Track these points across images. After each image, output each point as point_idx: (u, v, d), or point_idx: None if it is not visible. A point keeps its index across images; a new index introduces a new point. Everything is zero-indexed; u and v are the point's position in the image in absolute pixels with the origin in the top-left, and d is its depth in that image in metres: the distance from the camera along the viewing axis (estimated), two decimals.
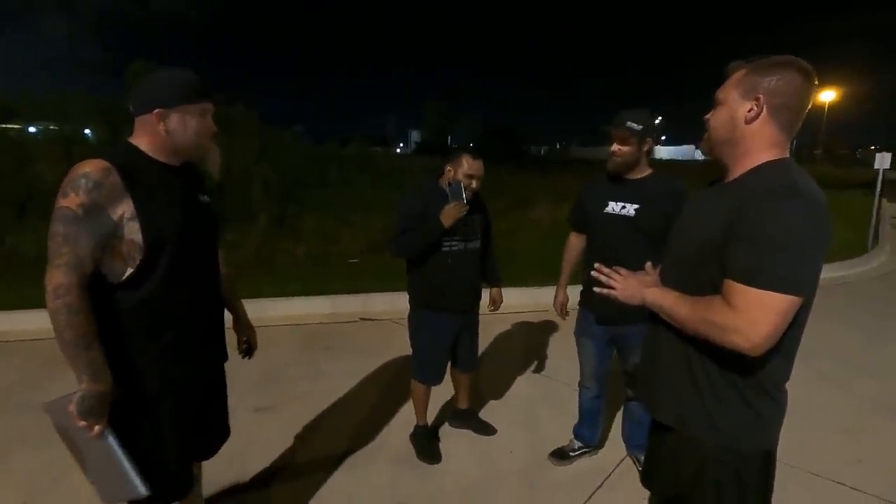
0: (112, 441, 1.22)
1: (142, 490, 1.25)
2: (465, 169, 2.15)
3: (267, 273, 5.75)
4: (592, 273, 1.32)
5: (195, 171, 1.47)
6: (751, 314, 0.97)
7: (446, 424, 2.67)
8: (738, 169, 1.12)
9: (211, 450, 1.61)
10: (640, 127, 1.94)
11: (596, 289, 1.30)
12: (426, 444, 2.43)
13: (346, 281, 5.28)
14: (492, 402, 2.93)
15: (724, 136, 1.13)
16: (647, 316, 1.25)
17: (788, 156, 1.09)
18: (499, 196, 10.62)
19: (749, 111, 1.07)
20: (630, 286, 1.23)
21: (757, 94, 1.06)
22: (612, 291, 1.25)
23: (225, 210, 7.85)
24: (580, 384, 2.33)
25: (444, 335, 2.30)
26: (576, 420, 2.40)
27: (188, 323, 1.34)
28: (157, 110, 1.24)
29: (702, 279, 1.10)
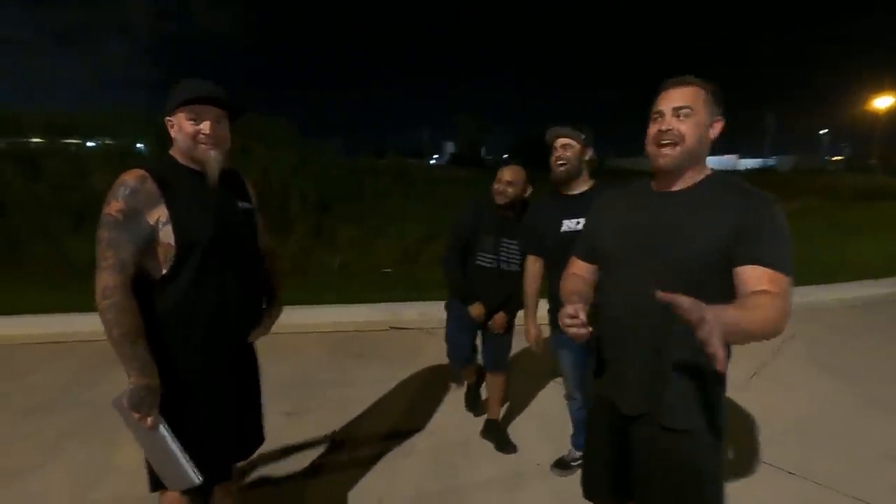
0: (165, 432, 1.31)
1: (194, 479, 1.33)
2: (499, 178, 2.36)
3: (303, 282, 5.93)
4: (684, 312, 0.94)
5: (236, 178, 1.53)
6: (788, 298, 1.09)
7: (476, 427, 2.69)
8: (693, 176, 1.26)
9: (247, 452, 1.67)
10: (583, 135, 2.03)
11: (711, 351, 0.90)
12: (470, 399, 2.97)
13: (378, 290, 5.39)
14: (522, 417, 2.93)
15: (695, 147, 1.22)
16: (643, 325, 1.26)
17: None
18: None
19: (713, 128, 1.25)
20: (710, 315, 0.93)
21: (720, 116, 1.25)
22: (710, 333, 0.91)
23: (264, 221, 8.15)
24: (566, 396, 2.34)
25: (463, 323, 2.52)
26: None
27: (219, 324, 1.40)
28: (166, 119, 1.38)
29: (710, 284, 1.16)
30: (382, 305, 4.82)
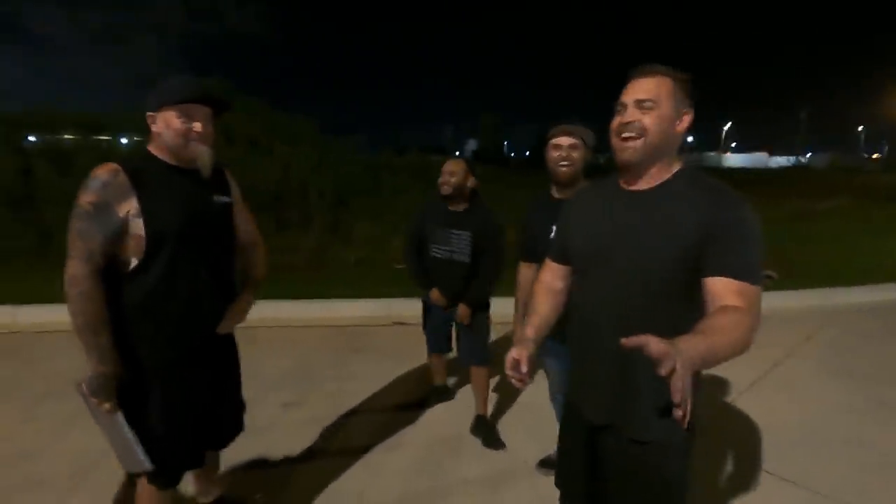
0: (120, 418, 1.37)
1: (146, 465, 1.38)
2: (442, 171, 2.51)
3: (318, 276, 6.02)
4: (654, 359, 0.85)
5: (217, 172, 1.54)
6: (756, 312, 1.02)
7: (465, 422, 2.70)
8: (660, 174, 1.19)
9: (222, 441, 1.72)
10: (589, 134, 1.96)
11: (678, 409, 0.85)
12: (430, 397, 3.02)
13: (388, 285, 5.42)
14: (513, 414, 2.92)
15: (659, 141, 1.16)
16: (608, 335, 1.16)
17: None
18: None
19: (681, 121, 1.18)
20: (680, 362, 0.84)
21: (688, 108, 1.18)
22: (678, 379, 0.83)
23: (284, 216, 8.35)
24: (552, 399, 2.30)
25: (435, 312, 2.70)
26: None
27: (190, 316, 1.43)
28: (148, 114, 1.40)
29: (676, 288, 1.13)
30: (388, 301, 4.85)
